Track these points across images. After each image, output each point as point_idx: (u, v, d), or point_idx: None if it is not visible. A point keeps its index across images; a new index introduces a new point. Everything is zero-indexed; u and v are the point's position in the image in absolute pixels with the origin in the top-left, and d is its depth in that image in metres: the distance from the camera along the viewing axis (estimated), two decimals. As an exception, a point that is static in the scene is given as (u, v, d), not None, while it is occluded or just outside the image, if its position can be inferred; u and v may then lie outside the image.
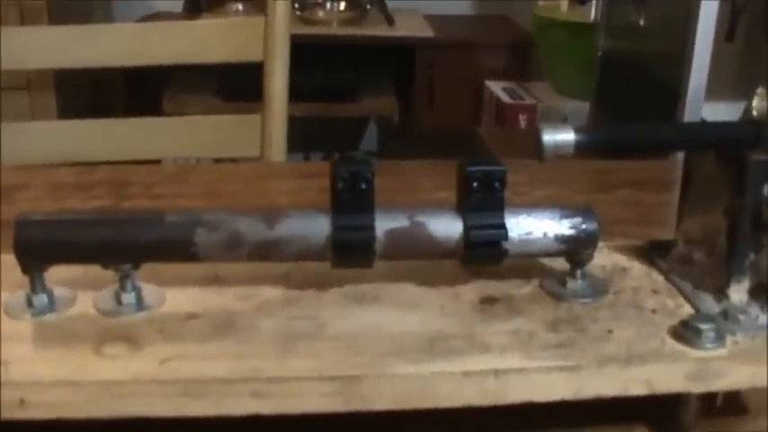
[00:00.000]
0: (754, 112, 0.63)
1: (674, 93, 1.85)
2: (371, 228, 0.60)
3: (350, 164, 0.59)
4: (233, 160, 1.55)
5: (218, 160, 1.71)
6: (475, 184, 0.61)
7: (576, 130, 0.60)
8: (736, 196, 0.63)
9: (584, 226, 0.64)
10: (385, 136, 3.49)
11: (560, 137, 0.60)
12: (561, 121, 2.75)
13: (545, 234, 0.63)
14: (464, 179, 0.61)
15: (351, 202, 0.60)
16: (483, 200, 0.61)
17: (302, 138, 3.20)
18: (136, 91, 3.04)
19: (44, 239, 0.59)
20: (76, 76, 2.78)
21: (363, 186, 0.59)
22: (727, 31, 1.82)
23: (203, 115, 1.61)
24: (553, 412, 0.58)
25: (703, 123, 0.64)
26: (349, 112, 3.06)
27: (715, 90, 1.85)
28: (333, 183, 0.59)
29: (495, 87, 2.99)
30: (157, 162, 1.56)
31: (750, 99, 0.64)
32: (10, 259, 0.60)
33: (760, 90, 0.63)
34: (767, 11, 1.87)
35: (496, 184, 0.61)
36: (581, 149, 0.61)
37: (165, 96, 2.96)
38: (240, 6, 3.16)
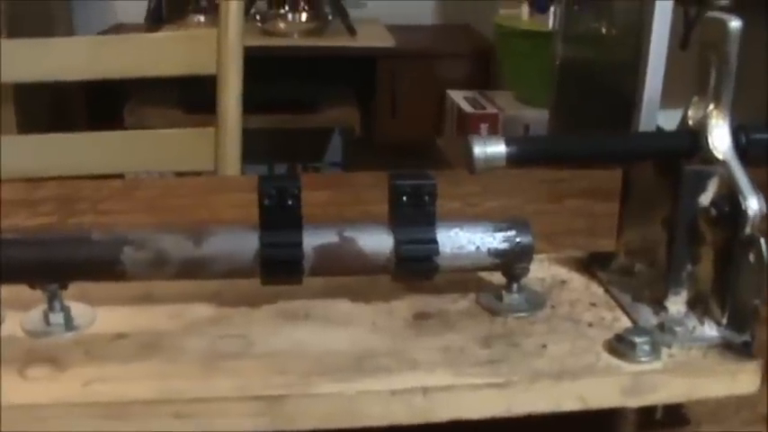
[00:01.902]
0: (690, 122, 0.63)
1: (629, 101, 1.85)
2: (299, 244, 0.59)
3: (276, 180, 0.59)
4: (197, 173, 1.54)
5: (178, 174, 1.70)
6: (404, 198, 0.60)
7: (508, 142, 0.60)
8: (673, 207, 0.62)
9: (518, 239, 0.63)
10: (349, 147, 3.49)
11: (491, 149, 0.59)
12: (523, 130, 2.75)
13: (478, 248, 0.62)
14: (394, 193, 0.61)
15: (278, 218, 0.59)
16: (413, 214, 0.61)
17: (266, 149, 3.20)
18: (97, 104, 3.03)
19: (-32, 260, 0.58)
20: (36, 91, 2.77)
21: (290, 203, 0.58)
22: (682, 39, 1.82)
23: (160, 129, 1.60)
24: (489, 428, 0.57)
25: (639, 134, 0.64)
26: (310, 123, 3.06)
27: (672, 98, 1.85)
28: (260, 199, 0.59)
29: (457, 97, 2.99)
30: (118, 176, 1.55)
31: (686, 108, 0.63)
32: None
33: (695, 99, 0.63)
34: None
35: (426, 198, 0.60)
36: (513, 162, 0.60)
37: (125, 109, 2.94)
38: (202, 18, 3.15)
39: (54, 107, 3.04)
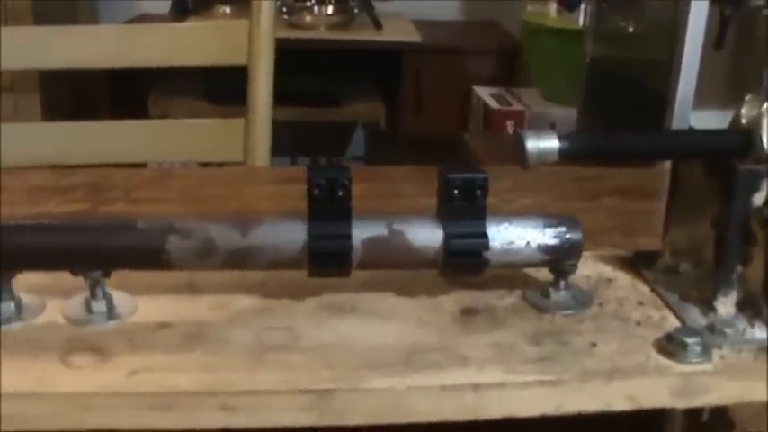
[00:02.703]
0: (743, 120, 0.62)
1: (662, 100, 1.84)
2: (348, 236, 0.58)
3: (326, 170, 0.58)
4: (218, 164, 1.54)
5: (202, 164, 1.70)
6: (455, 192, 0.59)
7: (561, 137, 0.59)
8: (723, 206, 0.61)
9: (568, 235, 0.62)
10: (372, 141, 3.48)
11: (544, 144, 0.58)
12: (549, 127, 2.73)
13: (528, 243, 0.61)
14: (444, 186, 0.60)
15: (327, 209, 0.58)
16: (464, 208, 0.60)
17: (289, 142, 3.20)
18: (121, 94, 3.02)
19: (11, 245, 0.57)
20: (61, 79, 2.77)
21: (340, 193, 0.58)
22: (716, 39, 1.81)
23: (187, 119, 1.59)
24: (533, 426, 0.56)
25: (691, 131, 0.63)
26: (335, 116, 3.05)
27: (703, 98, 1.83)
28: (309, 190, 0.58)
29: (483, 93, 2.97)
30: (140, 166, 1.54)
31: (739, 107, 0.62)
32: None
33: (749, 97, 0.62)
34: (755, 19, 1.86)
35: (478, 192, 0.59)
36: (565, 157, 0.59)
37: (150, 100, 2.94)
38: (228, 9, 3.14)
39: (77, 98, 3.04)
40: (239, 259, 0.59)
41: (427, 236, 0.60)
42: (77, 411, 0.52)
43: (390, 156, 3.05)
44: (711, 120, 1.80)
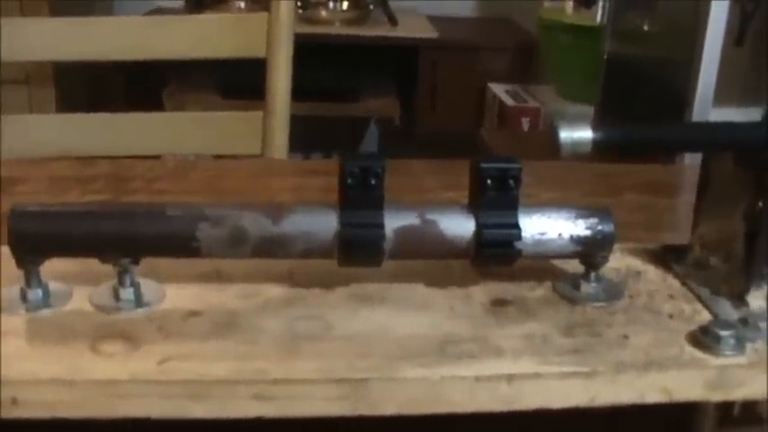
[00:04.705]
0: (777, 113, 0.61)
1: (681, 98, 1.83)
2: (381, 225, 0.58)
3: (360, 159, 0.57)
4: (233, 157, 1.53)
5: (218, 157, 1.69)
6: (489, 182, 0.59)
7: (594, 129, 0.58)
8: (755, 200, 0.61)
9: (600, 227, 0.61)
10: (386, 137, 3.47)
11: (578, 134, 0.58)
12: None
13: (560, 235, 0.61)
14: (477, 176, 0.59)
15: (360, 198, 0.58)
16: (496, 198, 0.59)
17: (302, 137, 3.18)
18: (135, 88, 3.02)
19: (39, 231, 0.57)
20: (76, 71, 2.77)
21: (373, 182, 0.57)
22: (737, 35, 1.80)
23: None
24: (564, 418, 0.56)
25: (721, 124, 0.62)
26: (350, 112, 3.04)
27: (723, 95, 1.83)
28: (342, 178, 0.57)
29: (499, 90, 2.97)
30: (157, 158, 1.54)
31: (769, 99, 0.62)
32: (8, 252, 0.57)
33: (783, 90, 0.61)
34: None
35: (511, 182, 0.59)
36: (598, 148, 0.58)
37: (164, 94, 2.93)
38: (242, 4, 3.14)
39: (92, 92, 3.03)
40: (271, 247, 0.58)
41: (459, 226, 0.59)
42: (110, 399, 0.51)
43: (404, 151, 3.05)
44: (731, 117, 1.79)
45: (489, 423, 0.55)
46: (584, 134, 0.58)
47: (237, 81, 2.49)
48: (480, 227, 0.59)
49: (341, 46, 3.06)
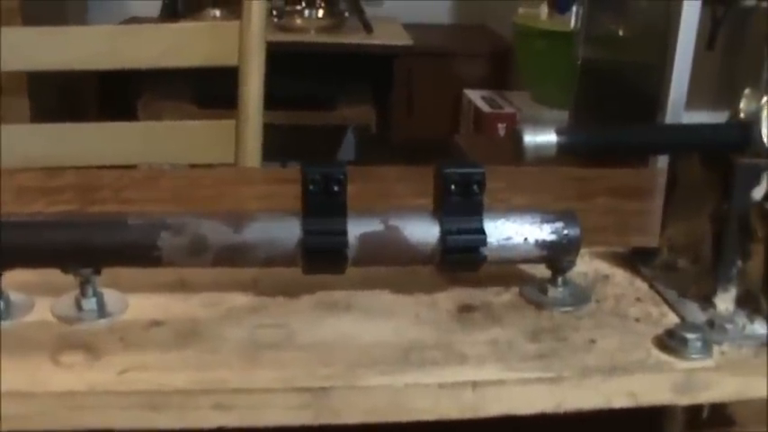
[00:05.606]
0: (742, 114, 0.61)
1: (653, 102, 1.84)
2: (344, 232, 0.57)
3: (321, 166, 0.57)
4: (208, 166, 1.52)
5: (192, 166, 1.69)
6: (452, 187, 0.58)
7: (558, 132, 0.58)
8: (722, 201, 0.60)
9: (566, 231, 0.61)
10: (363, 145, 3.47)
11: (541, 138, 0.58)
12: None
13: (525, 239, 0.61)
14: (441, 182, 0.59)
15: (322, 205, 0.57)
16: (461, 203, 0.59)
17: (279, 146, 3.18)
18: (110, 98, 3.01)
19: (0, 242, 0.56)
20: (49, 81, 2.75)
21: (335, 189, 0.57)
22: (708, 39, 1.81)
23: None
24: (532, 424, 0.55)
25: (689, 126, 0.62)
26: (326, 120, 3.04)
27: (695, 99, 1.83)
28: (304, 185, 0.57)
29: (474, 96, 2.98)
30: (133, 167, 1.53)
31: (737, 100, 0.62)
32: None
33: (748, 91, 0.61)
34: (746, 18, 1.86)
35: (474, 187, 0.59)
36: (564, 151, 0.58)
37: (139, 104, 2.92)
38: (218, 12, 3.13)
39: (66, 102, 3.02)
40: (232, 256, 0.58)
41: (424, 231, 0.59)
42: (69, 411, 0.51)
43: (381, 159, 3.04)
44: (703, 121, 1.80)
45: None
46: (548, 138, 0.58)
47: (213, 90, 2.48)
48: (445, 233, 0.59)
49: (316, 54, 3.06)
